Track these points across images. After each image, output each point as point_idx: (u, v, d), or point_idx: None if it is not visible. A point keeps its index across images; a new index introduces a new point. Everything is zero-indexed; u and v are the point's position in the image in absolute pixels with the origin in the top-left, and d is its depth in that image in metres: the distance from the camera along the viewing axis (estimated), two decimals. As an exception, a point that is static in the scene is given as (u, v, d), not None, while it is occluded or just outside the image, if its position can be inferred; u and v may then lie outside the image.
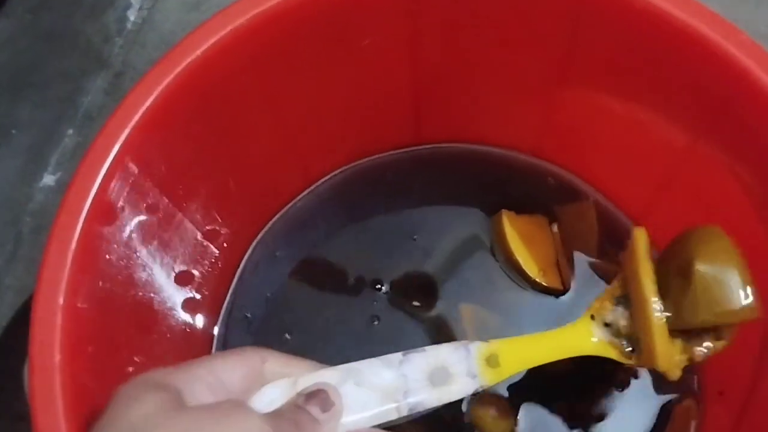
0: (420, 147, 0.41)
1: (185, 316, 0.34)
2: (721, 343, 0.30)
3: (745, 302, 0.29)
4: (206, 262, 0.36)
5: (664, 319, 0.29)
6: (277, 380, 0.26)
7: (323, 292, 0.40)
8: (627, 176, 0.38)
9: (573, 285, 0.39)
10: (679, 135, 0.34)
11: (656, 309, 0.29)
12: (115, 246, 0.28)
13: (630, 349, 0.31)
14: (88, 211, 0.26)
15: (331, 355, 0.29)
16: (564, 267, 0.39)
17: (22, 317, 0.49)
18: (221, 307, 0.38)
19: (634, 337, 0.30)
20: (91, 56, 0.57)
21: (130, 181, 0.28)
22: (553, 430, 0.36)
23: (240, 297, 0.39)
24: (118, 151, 0.27)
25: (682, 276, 0.29)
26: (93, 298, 0.27)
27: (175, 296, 0.33)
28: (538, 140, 0.40)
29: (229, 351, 0.27)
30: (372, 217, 0.41)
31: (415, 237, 0.40)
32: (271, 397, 0.25)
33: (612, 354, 0.31)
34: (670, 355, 0.29)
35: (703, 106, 0.32)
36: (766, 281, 0.31)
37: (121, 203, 0.28)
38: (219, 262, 0.37)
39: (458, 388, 0.27)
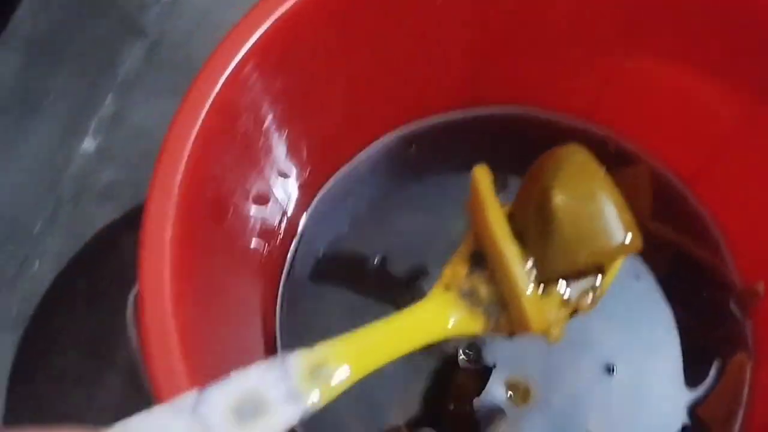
0: (474, 109, 0.42)
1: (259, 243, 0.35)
2: (607, 280, 0.26)
3: (620, 236, 0.25)
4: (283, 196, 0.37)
5: (528, 273, 0.25)
6: None
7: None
8: (681, 141, 0.39)
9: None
10: (737, 103, 0.36)
11: (515, 260, 0.25)
12: (218, 163, 0.29)
13: (497, 317, 0.26)
14: (207, 112, 0.27)
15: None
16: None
17: (62, 281, 0.49)
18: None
19: (499, 301, 0.26)
20: (127, 24, 0.57)
21: (250, 85, 0.29)
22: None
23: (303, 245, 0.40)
24: (244, 54, 0.27)
25: (541, 212, 0.25)
26: (194, 222, 0.27)
27: (254, 218, 0.34)
28: (594, 104, 0.41)
29: None
30: (424, 180, 0.42)
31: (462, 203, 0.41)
32: None
33: (477, 329, 0.26)
34: (543, 314, 0.25)
35: (760, 80, 0.34)
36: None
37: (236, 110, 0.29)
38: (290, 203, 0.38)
39: (276, 420, 0.22)
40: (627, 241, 0.25)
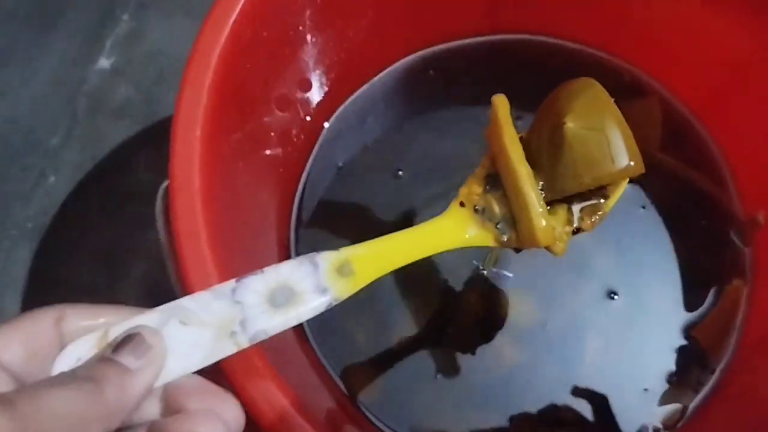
0: (492, 36, 0.43)
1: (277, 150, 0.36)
2: (610, 202, 0.29)
3: (623, 162, 0.27)
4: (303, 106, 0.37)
5: (537, 189, 0.27)
6: (83, 336, 0.22)
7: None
8: (692, 73, 0.40)
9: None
10: (748, 35, 0.36)
11: (527, 179, 0.27)
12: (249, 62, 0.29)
13: (507, 233, 0.29)
14: (236, 18, 0.28)
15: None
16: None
17: (76, 194, 0.50)
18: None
19: (510, 218, 0.28)
20: (144, -56, 0.57)
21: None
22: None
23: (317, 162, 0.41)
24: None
25: (554, 139, 0.27)
26: (221, 124, 0.28)
27: (275, 126, 0.35)
28: (610, 34, 0.41)
29: (5, 323, 0.22)
30: (442, 104, 0.42)
31: (478, 132, 0.42)
32: (78, 355, 0.22)
33: (488, 241, 0.29)
34: (549, 230, 0.27)
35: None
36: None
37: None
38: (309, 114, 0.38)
39: (306, 308, 0.24)
40: (629, 166, 0.27)
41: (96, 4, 0.54)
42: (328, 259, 0.25)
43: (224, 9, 0.28)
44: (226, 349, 0.23)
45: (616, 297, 0.38)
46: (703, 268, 0.39)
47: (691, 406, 0.37)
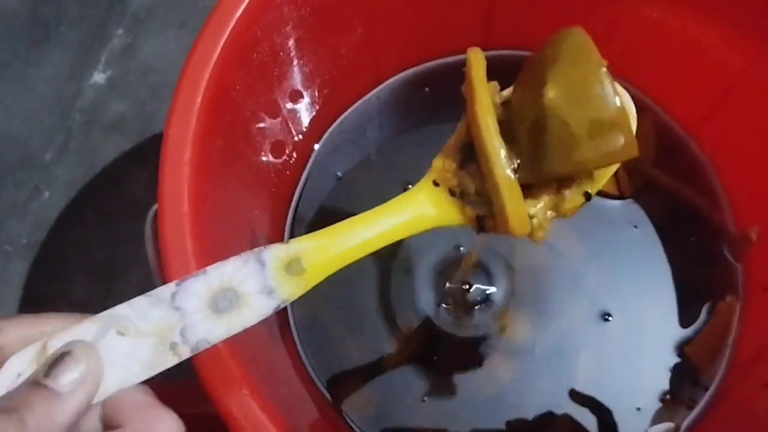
0: (486, 52, 0.43)
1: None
2: (595, 187, 0.25)
3: (615, 141, 0.22)
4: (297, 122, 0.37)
5: (511, 170, 0.23)
6: (24, 348, 0.21)
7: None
8: (687, 89, 0.40)
9: (629, 193, 0.41)
10: (742, 52, 0.36)
11: (498, 158, 0.23)
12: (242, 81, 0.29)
13: (482, 213, 0.25)
14: (226, 40, 0.27)
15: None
16: (622, 176, 0.41)
17: (71, 210, 0.50)
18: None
19: (486, 197, 0.24)
20: (138, -42, 0.57)
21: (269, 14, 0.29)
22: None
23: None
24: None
25: (534, 111, 0.23)
26: (211, 145, 0.28)
27: (267, 144, 0.35)
28: (602, 50, 0.41)
29: None
30: (431, 122, 0.42)
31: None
32: (18, 370, 0.21)
33: (459, 220, 0.25)
34: (524, 217, 0.23)
35: (765, 29, 0.34)
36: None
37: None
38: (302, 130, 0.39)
39: (251, 312, 0.23)
40: (620, 148, 0.22)
41: (90, 19, 0.54)
42: (275, 255, 0.23)
43: (213, 33, 0.28)
44: (167, 360, 0.22)
45: (608, 315, 0.38)
46: (696, 285, 0.39)
47: (684, 424, 0.37)
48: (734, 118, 0.39)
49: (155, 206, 0.26)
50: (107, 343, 0.21)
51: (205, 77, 0.28)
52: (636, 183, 0.41)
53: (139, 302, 0.22)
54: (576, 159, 0.22)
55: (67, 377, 0.20)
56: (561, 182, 0.24)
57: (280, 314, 0.38)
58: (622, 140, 0.22)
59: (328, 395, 0.37)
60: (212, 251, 0.27)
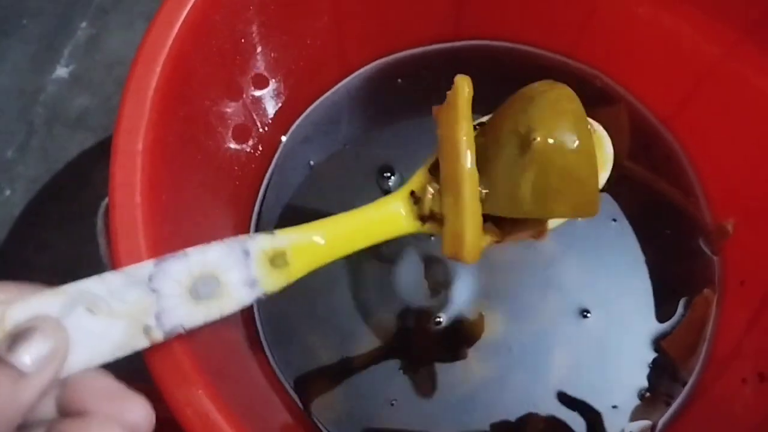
0: (458, 43, 0.42)
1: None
2: (544, 227, 0.25)
3: (591, 200, 0.24)
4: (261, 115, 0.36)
5: (479, 204, 0.24)
6: None
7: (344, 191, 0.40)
8: (661, 80, 0.39)
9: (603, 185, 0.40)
10: (718, 42, 0.36)
11: (473, 193, 0.23)
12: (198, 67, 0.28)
13: (435, 232, 0.26)
14: (182, 24, 0.26)
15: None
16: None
17: (33, 208, 0.48)
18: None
19: (438, 214, 0.25)
20: (103, -51, 0.55)
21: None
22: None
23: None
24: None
25: (515, 152, 0.23)
26: (167, 136, 0.27)
27: (230, 136, 0.33)
28: (576, 41, 0.41)
29: None
30: (404, 113, 0.41)
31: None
32: None
33: (424, 229, 0.26)
34: (478, 248, 0.24)
35: (747, 14, 0.33)
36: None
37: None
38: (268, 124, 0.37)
39: (231, 301, 0.22)
40: (588, 206, 0.24)
41: (53, 11, 0.52)
42: (260, 246, 0.22)
43: (168, 17, 0.27)
44: (138, 343, 0.21)
45: (585, 311, 0.38)
46: (673, 279, 0.38)
47: (662, 421, 0.36)
48: (709, 107, 0.38)
49: (106, 199, 0.25)
50: (74, 320, 0.20)
51: (159, 63, 0.26)
52: (610, 176, 0.40)
53: (113, 279, 0.21)
54: (550, 208, 0.23)
55: (32, 355, 0.19)
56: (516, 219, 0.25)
57: (246, 313, 0.37)
58: (594, 200, 0.24)
59: (296, 397, 0.35)
60: (168, 247, 0.26)
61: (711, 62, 0.37)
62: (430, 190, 0.26)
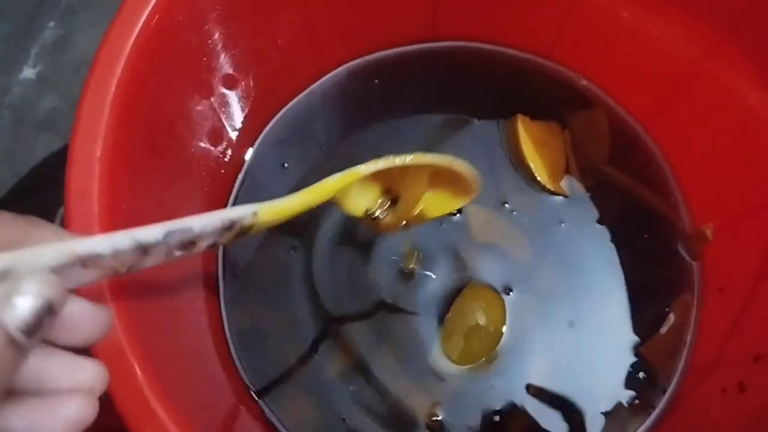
0: (435, 44, 0.41)
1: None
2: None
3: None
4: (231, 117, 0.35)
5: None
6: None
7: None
8: (640, 84, 0.39)
9: (581, 191, 0.39)
10: (696, 45, 0.35)
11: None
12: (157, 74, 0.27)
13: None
14: (143, 26, 0.25)
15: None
16: (574, 173, 0.39)
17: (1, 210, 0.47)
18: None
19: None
20: (73, -53, 0.54)
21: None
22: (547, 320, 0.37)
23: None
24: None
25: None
26: (127, 141, 0.26)
27: (196, 141, 0.32)
28: (555, 44, 0.40)
29: None
30: (382, 114, 0.41)
31: (426, 137, 0.40)
32: None
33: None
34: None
35: (726, 17, 0.33)
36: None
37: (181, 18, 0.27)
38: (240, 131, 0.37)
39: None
40: None
41: (19, 11, 0.51)
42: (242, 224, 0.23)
43: (128, 17, 0.26)
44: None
45: (566, 317, 0.37)
46: (653, 284, 0.38)
47: (642, 428, 0.35)
48: (689, 111, 0.38)
49: (62, 208, 0.24)
50: (67, 273, 0.19)
51: (120, 64, 0.25)
52: (589, 181, 0.39)
53: (123, 244, 0.20)
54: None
55: (42, 335, 0.18)
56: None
57: (214, 318, 0.36)
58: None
59: (261, 402, 0.35)
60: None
61: (690, 66, 0.36)
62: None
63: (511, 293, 0.37)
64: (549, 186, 0.39)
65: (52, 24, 0.51)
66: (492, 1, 0.38)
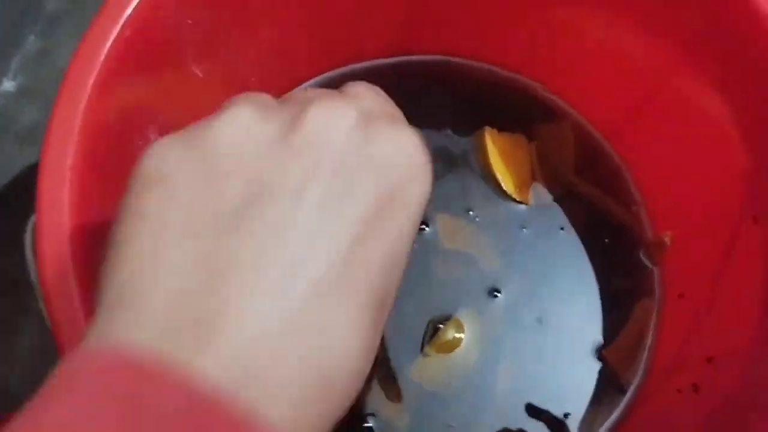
0: (406, 58, 0.42)
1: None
2: None
3: None
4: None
5: None
6: None
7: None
8: (606, 97, 0.40)
9: (548, 200, 0.40)
10: (660, 57, 0.36)
11: None
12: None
13: None
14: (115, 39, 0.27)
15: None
16: (541, 183, 0.41)
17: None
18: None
19: None
20: (54, -38, 0.54)
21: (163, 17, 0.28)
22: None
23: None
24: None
25: None
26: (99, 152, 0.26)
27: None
28: (525, 58, 0.41)
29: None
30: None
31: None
32: None
33: None
34: None
35: (687, 31, 0.34)
36: (739, 194, 0.33)
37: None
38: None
39: None
40: None
41: (1, 23, 0.52)
42: None
43: (106, 22, 0.27)
44: None
45: (531, 320, 0.38)
46: (616, 290, 0.39)
47: (603, 429, 0.36)
48: (652, 124, 0.39)
49: (33, 216, 0.25)
50: None
51: (90, 81, 0.26)
52: (556, 190, 0.41)
53: None
54: None
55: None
56: None
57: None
58: None
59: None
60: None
61: (653, 81, 0.37)
62: None
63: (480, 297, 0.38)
64: (515, 195, 0.40)
65: (32, 37, 0.52)
66: (464, 18, 0.40)
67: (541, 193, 0.41)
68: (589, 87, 0.41)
